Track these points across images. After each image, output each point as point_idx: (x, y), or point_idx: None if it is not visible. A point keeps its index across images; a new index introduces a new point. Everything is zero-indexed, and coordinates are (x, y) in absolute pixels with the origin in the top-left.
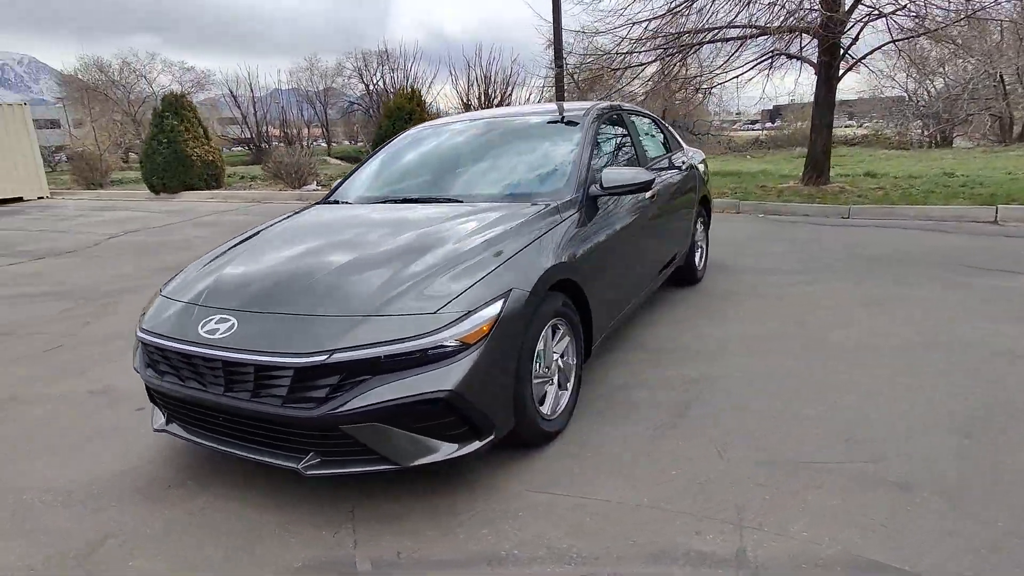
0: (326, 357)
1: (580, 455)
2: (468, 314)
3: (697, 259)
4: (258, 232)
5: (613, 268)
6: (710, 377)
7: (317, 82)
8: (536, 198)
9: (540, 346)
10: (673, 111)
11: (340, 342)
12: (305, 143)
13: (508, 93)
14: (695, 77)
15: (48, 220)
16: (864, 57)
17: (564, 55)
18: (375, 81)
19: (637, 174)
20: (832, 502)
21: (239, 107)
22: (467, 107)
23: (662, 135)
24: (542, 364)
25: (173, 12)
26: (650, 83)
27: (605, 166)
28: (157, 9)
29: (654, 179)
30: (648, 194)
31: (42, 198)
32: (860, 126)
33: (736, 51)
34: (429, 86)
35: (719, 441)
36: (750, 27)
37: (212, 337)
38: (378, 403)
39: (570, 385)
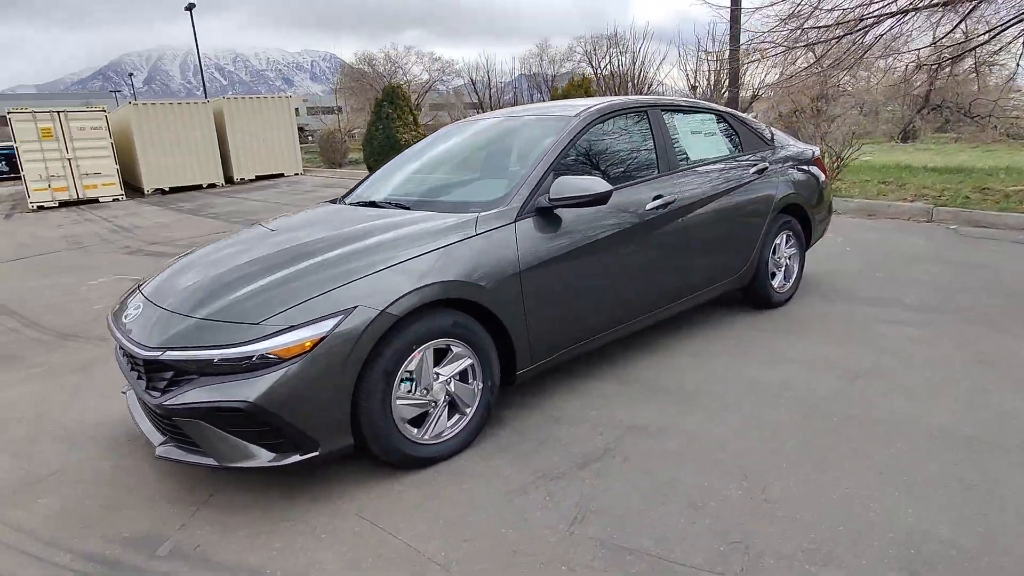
0: (160, 354)
1: (433, 487)
2: (290, 328)
3: (779, 280)
4: (252, 225)
5: (574, 287)
6: (657, 432)
7: (547, 67)
8: (472, 207)
9: (412, 367)
10: (944, 90)
11: (173, 341)
12: None
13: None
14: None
15: (288, 194)
16: None
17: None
18: (603, 64)
19: (591, 185)
20: None
21: (477, 93)
22: (693, 90)
23: (726, 135)
24: (418, 386)
25: (440, 8)
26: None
27: (587, 173)
28: (428, 6)
29: (610, 191)
30: (655, 204)
31: (297, 174)
32: None
33: None
34: (658, 67)
35: (583, 508)
36: None
37: (123, 321)
38: (196, 403)
39: (470, 411)
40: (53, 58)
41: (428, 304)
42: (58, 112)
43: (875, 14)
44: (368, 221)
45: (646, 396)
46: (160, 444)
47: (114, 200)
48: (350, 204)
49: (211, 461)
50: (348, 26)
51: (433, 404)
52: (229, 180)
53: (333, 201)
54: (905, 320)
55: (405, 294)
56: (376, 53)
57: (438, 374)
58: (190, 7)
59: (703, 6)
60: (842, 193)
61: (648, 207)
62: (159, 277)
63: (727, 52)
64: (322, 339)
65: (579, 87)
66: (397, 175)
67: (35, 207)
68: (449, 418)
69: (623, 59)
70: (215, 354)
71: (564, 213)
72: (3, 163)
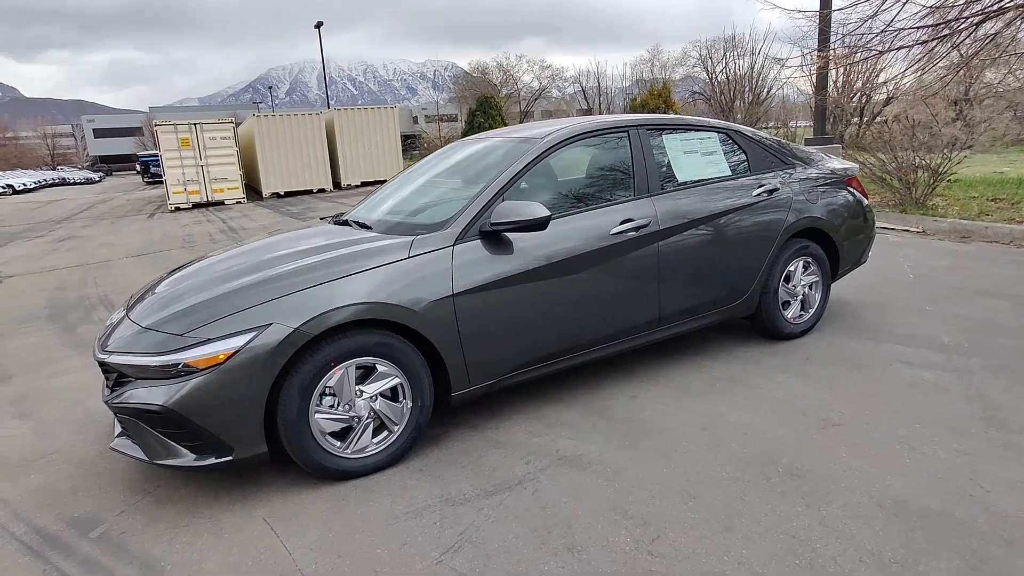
0: (107, 356)
1: (341, 500)
2: (206, 341)
3: (794, 310)
4: (244, 240)
5: (522, 311)
6: (586, 465)
7: (657, 72)
8: (418, 230)
9: (333, 383)
10: None
11: (117, 346)
12: None
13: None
14: None
15: None
16: None
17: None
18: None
19: (528, 210)
20: None
21: (587, 100)
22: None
23: (730, 155)
24: (341, 402)
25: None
26: None
27: (548, 197)
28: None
29: (548, 216)
30: (623, 228)
31: None
32: None
33: None
34: (780, 69)
35: (464, 538)
36: None
37: (107, 325)
38: (129, 403)
39: (398, 429)
40: (213, 74)
41: (353, 323)
42: (194, 124)
43: None
44: (326, 240)
45: (599, 427)
46: (115, 438)
47: (236, 203)
48: (335, 222)
49: (141, 457)
50: (469, 36)
51: (356, 420)
52: (337, 185)
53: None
54: (930, 363)
55: (321, 314)
56: (489, 62)
57: (361, 391)
58: (318, 25)
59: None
60: (936, 212)
61: (613, 231)
62: (151, 286)
63: (852, 53)
64: (235, 353)
65: (658, 96)
66: (389, 194)
67: (173, 208)
68: (376, 435)
69: (739, 63)
70: (147, 361)
71: (517, 238)
72: (159, 168)
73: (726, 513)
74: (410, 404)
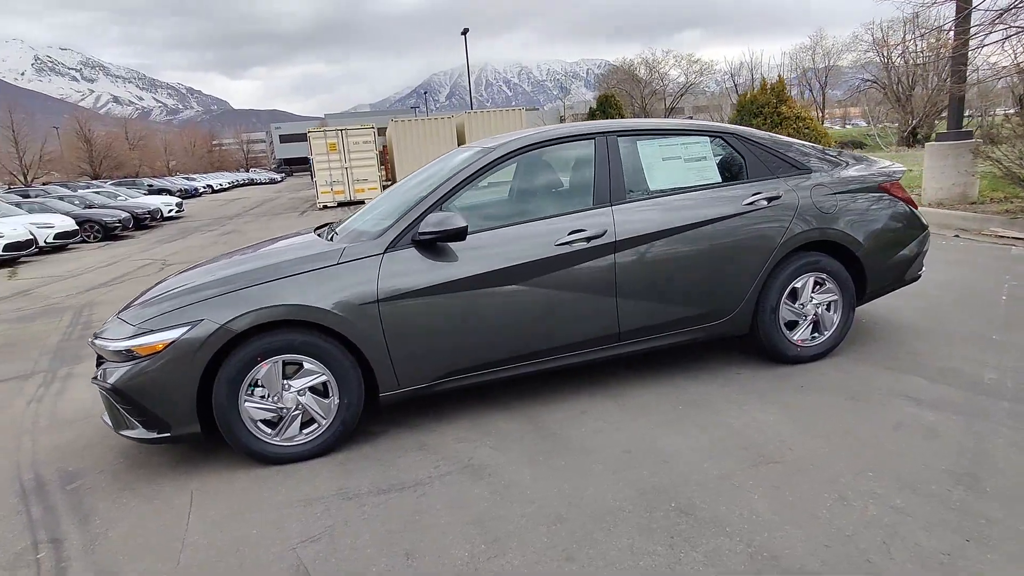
0: (92, 339)
1: (251, 483)
2: (150, 332)
3: (802, 332)
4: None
5: (455, 319)
6: (485, 477)
7: (820, 60)
8: (362, 237)
9: (260, 376)
10: None
11: (99, 333)
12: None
13: None
14: None
15: None
16: None
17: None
18: (896, 53)
19: (448, 220)
20: None
21: (738, 94)
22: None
23: (724, 160)
24: (270, 393)
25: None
26: None
27: (495, 206)
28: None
29: (464, 227)
30: (573, 238)
31: None
32: None
33: None
34: (979, 49)
35: (307, 536)
36: None
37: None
38: (98, 381)
39: (325, 423)
40: (383, 81)
41: (282, 322)
42: (341, 130)
43: None
44: (287, 247)
45: (525, 440)
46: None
47: None
48: (315, 231)
49: (114, 427)
50: (623, 33)
51: (285, 411)
52: None
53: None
54: (943, 403)
55: (245, 313)
56: (633, 58)
57: (289, 385)
58: (464, 32)
59: None
60: None
61: (559, 242)
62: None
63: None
64: (171, 343)
65: (770, 91)
66: (376, 203)
67: (321, 206)
68: (305, 427)
69: (920, 44)
70: (109, 346)
71: (458, 248)
72: None
73: (579, 542)
74: (337, 401)
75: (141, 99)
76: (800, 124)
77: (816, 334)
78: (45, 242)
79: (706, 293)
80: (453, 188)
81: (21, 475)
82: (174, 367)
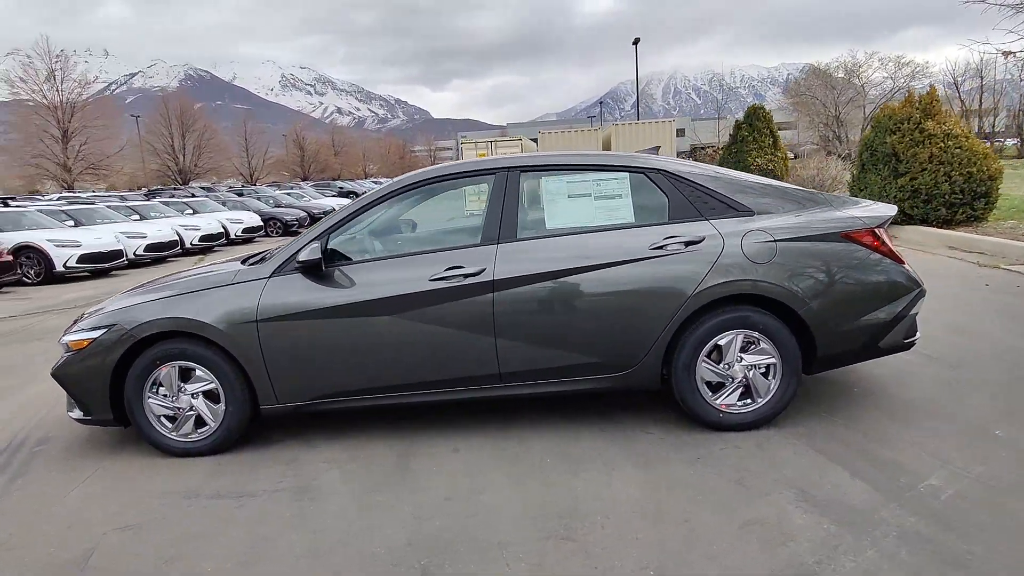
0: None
1: (141, 469)
2: (80, 331)
3: (729, 396)
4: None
5: (326, 344)
6: (307, 502)
7: None
8: (267, 261)
9: (160, 376)
10: None
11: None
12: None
13: None
14: None
15: None
16: None
17: None
18: None
19: (309, 253)
20: None
21: (960, 99)
22: None
23: (642, 199)
24: (170, 394)
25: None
26: None
27: (380, 239)
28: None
29: (317, 259)
30: (448, 274)
31: None
32: None
33: None
34: None
35: (109, 527)
36: None
37: None
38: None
39: (214, 425)
40: (570, 90)
41: (181, 333)
42: (491, 141)
43: None
44: (210, 269)
45: (378, 470)
46: None
47: None
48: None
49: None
50: (830, 34)
51: (180, 410)
52: None
53: None
54: (835, 506)
55: (144, 322)
56: (829, 62)
57: (184, 388)
58: (636, 41)
59: None
60: None
61: (432, 277)
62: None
63: None
64: (91, 341)
65: (918, 105)
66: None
67: (468, 215)
68: (198, 426)
69: None
70: (61, 339)
71: (339, 277)
72: None
73: None
74: (224, 407)
75: (358, 110)
76: (949, 143)
77: (748, 400)
78: (235, 235)
79: (601, 342)
80: (340, 220)
81: (4, 439)
82: (91, 362)
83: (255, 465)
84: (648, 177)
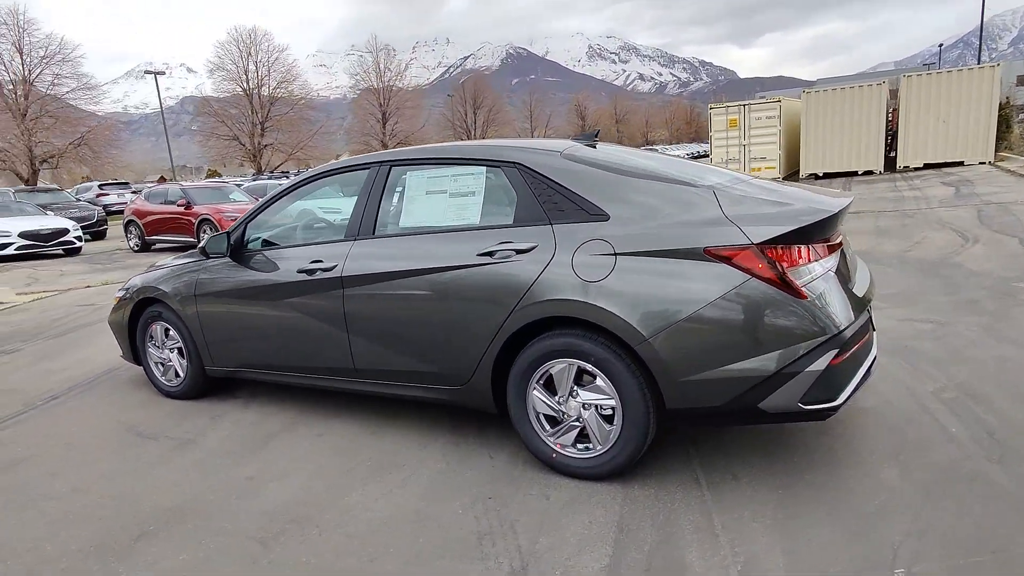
0: None
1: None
2: (118, 291)
3: (563, 434)
4: None
5: (232, 322)
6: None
7: None
8: None
9: (152, 330)
10: None
11: None
12: None
13: None
14: None
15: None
16: None
17: None
18: None
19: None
20: None
21: None
22: None
23: (493, 197)
24: (160, 346)
25: None
26: None
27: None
28: None
29: (203, 247)
30: (311, 267)
31: (983, 163)
32: None
33: None
34: None
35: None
36: None
37: None
38: None
39: (182, 375)
40: (913, 34)
41: (158, 300)
42: (743, 105)
43: None
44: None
45: (257, 437)
46: None
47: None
48: None
49: None
50: None
51: (166, 359)
52: (890, 167)
53: None
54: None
55: (138, 288)
56: None
57: (164, 341)
58: None
59: None
60: None
61: (299, 269)
62: None
63: None
64: (120, 299)
65: None
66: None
67: None
68: (176, 376)
69: None
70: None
71: (244, 262)
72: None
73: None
74: (187, 363)
75: (660, 75)
76: None
77: (588, 445)
78: None
79: (432, 351)
80: (254, 212)
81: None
82: (117, 314)
83: (189, 414)
84: (504, 172)
